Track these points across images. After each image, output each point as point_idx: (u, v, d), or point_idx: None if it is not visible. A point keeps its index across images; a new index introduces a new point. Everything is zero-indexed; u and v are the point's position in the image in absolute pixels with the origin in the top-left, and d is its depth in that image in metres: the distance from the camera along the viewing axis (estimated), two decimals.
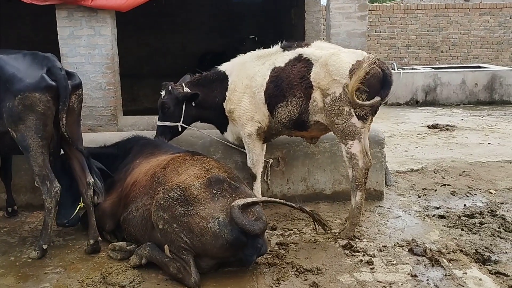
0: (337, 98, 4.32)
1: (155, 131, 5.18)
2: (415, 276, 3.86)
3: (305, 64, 4.47)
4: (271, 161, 5.41)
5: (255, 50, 5.00)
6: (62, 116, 4.01)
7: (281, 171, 5.54)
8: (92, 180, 4.31)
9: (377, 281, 3.80)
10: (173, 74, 12.49)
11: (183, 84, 4.98)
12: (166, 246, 3.91)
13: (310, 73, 4.43)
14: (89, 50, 6.01)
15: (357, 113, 4.33)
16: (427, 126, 9.78)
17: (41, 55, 4.12)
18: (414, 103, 12.48)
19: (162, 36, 12.75)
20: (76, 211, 4.55)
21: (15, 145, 4.09)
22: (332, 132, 4.62)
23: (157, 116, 6.59)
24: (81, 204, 4.56)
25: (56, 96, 3.99)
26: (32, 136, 3.97)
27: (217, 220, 3.78)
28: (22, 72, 3.96)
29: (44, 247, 4.20)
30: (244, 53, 5.06)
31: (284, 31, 11.27)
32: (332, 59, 4.34)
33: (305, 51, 4.52)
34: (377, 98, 4.26)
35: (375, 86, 4.28)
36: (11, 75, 3.95)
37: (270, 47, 4.90)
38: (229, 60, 5.12)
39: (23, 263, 4.16)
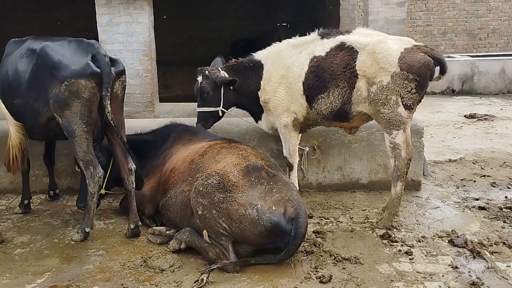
0: (384, 87, 4.24)
1: (196, 118, 5.09)
2: (456, 267, 3.79)
3: (349, 52, 4.36)
4: (307, 149, 5.37)
5: (289, 37, 4.93)
6: (107, 103, 4.08)
7: (317, 160, 5.52)
8: (134, 166, 4.39)
9: (417, 272, 3.76)
10: (206, 62, 12.49)
11: (219, 68, 4.91)
12: (204, 231, 3.96)
13: (355, 61, 4.32)
14: (127, 37, 6.08)
15: (404, 103, 4.25)
16: (464, 116, 9.53)
17: (86, 41, 4.19)
18: (450, 92, 12.17)
19: (194, 24, 12.77)
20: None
21: (61, 131, 4.19)
22: (375, 121, 4.54)
23: (193, 103, 6.67)
24: (102, 191, 4.66)
25: (100, 83, 4.05)
26: (77, 122, 4.06)
27: (255, 207, 3.80)
28: (68, 58, 4.04)
29: (87, 230, 4.32)
30: (279, 41, 5.00)
31: (318, 18, 11.14)
32: (380, 46, 4.24)
33: (348, 38, 4.42)
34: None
35: (425, 75, 4.20)
36: (57, 62, 4.04)
37: (306, 35, 4.82)
38: (263, 48, 5.07)
39: (66, 245, 4.29)
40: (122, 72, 4.26)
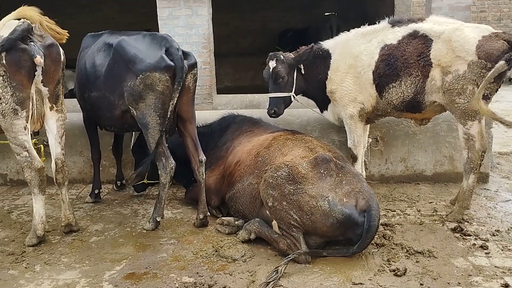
0: (460, 76, 4.13)
1: (251, 109, 5.09)
2: None
3: (422, 40, 4.27)
4: (370, 140, 5.30)
5: (341, 27, 4.85)
6: (175, 95, 4.16)
7: (380, 151, 5.45)
8: (204, 158, 4.46)
9: (495, 267, 3.65)
10: (253, 53, 12.61)
11: (290, 54, 4.84)
12: (274, 222, 3.98)
13: (430, 50, 4.23)
14: (186, 30, 6.18)
15: None
16: None
17: (159, 35, 4.27)
18: (506, 80, 11.73)
19: (241, 15, 12.79)
20: (141, 182, 5.01)
21: (134, 123, 4.31)
22: (449, 112, 4.42)
23: (250, 94, 6.72)
24: (145, 181, 5.00)
25: (174, 76, 4.12)
26: (151, 114, 4.15)
27: (327, 199, 3.79)
28: (143, 52, 4.13)
29: (158, 219, 4.43)
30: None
31: (368, 6, 10.92)
32: (456, 34, 4.13)
33: (421, 26, 4.31)
34: (500, 62, 3.95)
35: None
36: (133, 56, 4.14)
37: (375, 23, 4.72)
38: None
39: (139, 234, 4.42)
40: (194, 65, 4.31)
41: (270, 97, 4.84)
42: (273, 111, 4.83)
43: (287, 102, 4.87)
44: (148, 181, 5.11)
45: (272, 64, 4.76)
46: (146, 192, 5.45)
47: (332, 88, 4.75)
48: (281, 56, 4.75)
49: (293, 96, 4.83)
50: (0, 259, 3.96)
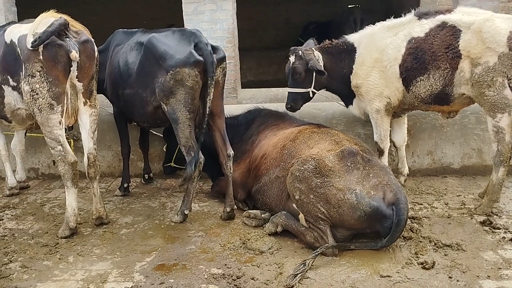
0: (490, 68, 4.08)
1: (277, 103, 5.14)
2: None
3: (451, 31, 4.22)
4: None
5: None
6: (211, 91, 4.20)
7: (406, 144, 5.39)
8: (232, 152, 4.50)
9: None
10: (276, 47, 12.60)
11: (313, 48, 4.81)
12: (301, 215, 4.01)
13: (459, 41, 4.18)
14: (211, 25, 6.23)
15: (511, 85, 4.06)
16: None
17: (188, 31, 4.32)
18: None
19: (264, 9, 12.78)
20: (168, 164, 5.38)
21: (166, 118, 4.38)
22: (478, 104, 4.37)
23: (275, 88, 6.75)
24: (172, 164, 5.33)
25: (203, 71, 4.17)
26: (181, 109, 4.21)
27: (354, 192, 3.79)
28: (173, 48, 4.19)
29: (186, 212, 4.50)
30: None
31: None
32: (487, 25, 4.07)
33: (450, 18, 4.26)
34: None
35: None
36: (163, 52, 4.20)
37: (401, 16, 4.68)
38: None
39: (167, 226, 4.50)
40: (223, 59, 4.35)
41: (288, 92, 4.90)
42: (289, 106, 4.97)
43: (305, 98, 5.00)
44: (174, 165, 5.21)
45: (291, 59, 4.79)
46: (174, 185, 5.55)
47: (358, 82, 4.72)
48: (300, 51, 4.71)
49: (312, 92, 4.92)
50: (35, 250, 4.10)
